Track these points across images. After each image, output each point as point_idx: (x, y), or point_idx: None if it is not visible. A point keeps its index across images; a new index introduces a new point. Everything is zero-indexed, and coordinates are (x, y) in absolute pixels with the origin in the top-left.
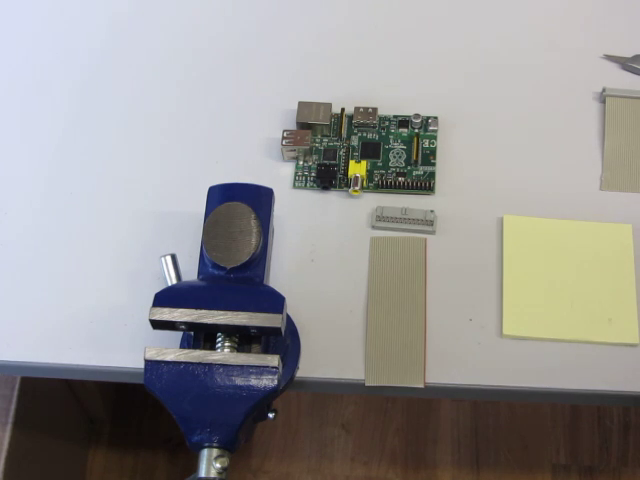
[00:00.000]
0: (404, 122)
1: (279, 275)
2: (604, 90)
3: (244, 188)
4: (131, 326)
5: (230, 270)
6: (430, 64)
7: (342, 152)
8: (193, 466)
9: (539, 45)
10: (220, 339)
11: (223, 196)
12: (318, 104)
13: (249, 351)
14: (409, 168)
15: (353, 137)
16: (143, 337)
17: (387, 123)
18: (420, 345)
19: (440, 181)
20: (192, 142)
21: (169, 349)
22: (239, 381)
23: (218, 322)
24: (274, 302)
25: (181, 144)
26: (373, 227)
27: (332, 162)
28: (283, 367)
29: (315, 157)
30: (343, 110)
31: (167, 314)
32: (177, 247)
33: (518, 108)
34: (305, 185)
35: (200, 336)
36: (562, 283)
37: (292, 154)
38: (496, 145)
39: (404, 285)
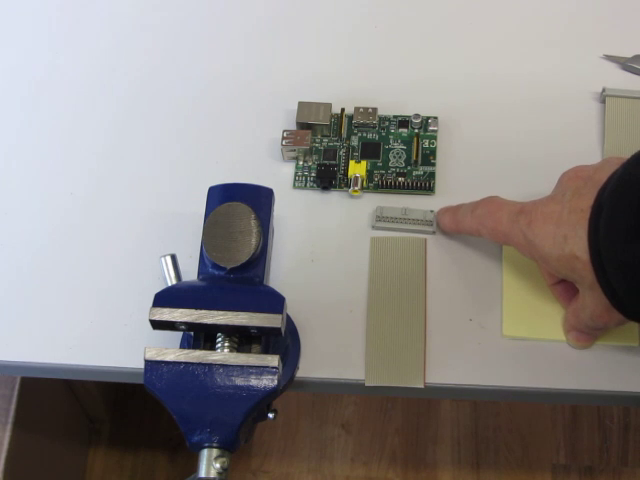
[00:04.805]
0: (404, 122)
1: (279, 275)
2: (604, 90)
3: (244, 188)
4: (131, 326)
5: (230, 270)
6: (430, 64)
7: (342, 152)
8: (193, 466)
9: (539, 45)
10: (220, 339)
11: (223, 196)
12: (318, 104)
13: (249, 351)
14: (409, 168)
15: (353, 137)
16: (143, 337)
17: (387, 123)
18: (420, 345)
19: (440, 181)
20: (192, 142)
21: (169, 349)
22: (239, 381)
23: (218, 322)
24: (274, 302)
25: (181, 144)
26: (373, 227)
27: (332, 162)
28: (283, 367)
29: (315, 157)
30: (343, 110)
31: (167, 314)
32: (177, 247)
33: (518, 108)
34: (305, 185)
35: (200, 336)
36: None
37: (292, 154)
38: (496, 145)
39: (404, 285)
